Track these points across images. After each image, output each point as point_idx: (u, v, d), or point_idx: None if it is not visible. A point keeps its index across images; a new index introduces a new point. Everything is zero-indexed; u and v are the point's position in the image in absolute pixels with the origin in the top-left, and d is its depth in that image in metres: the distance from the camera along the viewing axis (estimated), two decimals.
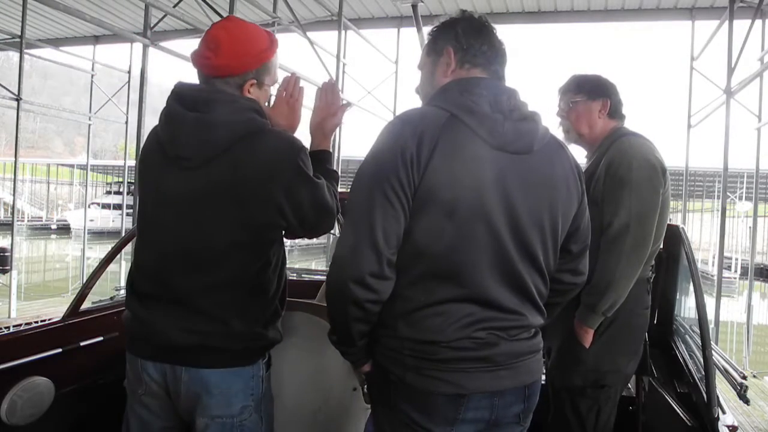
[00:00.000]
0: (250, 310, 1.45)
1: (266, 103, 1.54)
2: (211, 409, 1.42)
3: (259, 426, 1.49)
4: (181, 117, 1.39)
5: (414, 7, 7.93)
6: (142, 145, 1.66)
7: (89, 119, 12.00)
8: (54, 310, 8.38)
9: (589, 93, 2.01)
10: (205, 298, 1.41)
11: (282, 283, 1.55)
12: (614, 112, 2.03)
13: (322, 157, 1.55)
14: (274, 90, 1.57)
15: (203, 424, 1.43)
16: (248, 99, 1.44)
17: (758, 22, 7.72)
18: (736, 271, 20.03)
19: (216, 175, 1.36)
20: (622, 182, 1.85)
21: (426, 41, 1.39)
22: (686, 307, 2.46)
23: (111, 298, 3.07)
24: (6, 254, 9.67)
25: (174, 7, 6.86)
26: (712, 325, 7.01)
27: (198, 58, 1.45)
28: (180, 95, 1.43)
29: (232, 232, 1.38)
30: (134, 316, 1.48)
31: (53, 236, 36.41)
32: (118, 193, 28.44)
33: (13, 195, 9.94)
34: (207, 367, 1.41)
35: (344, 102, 1.63)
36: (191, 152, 1.38)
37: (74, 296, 2.30)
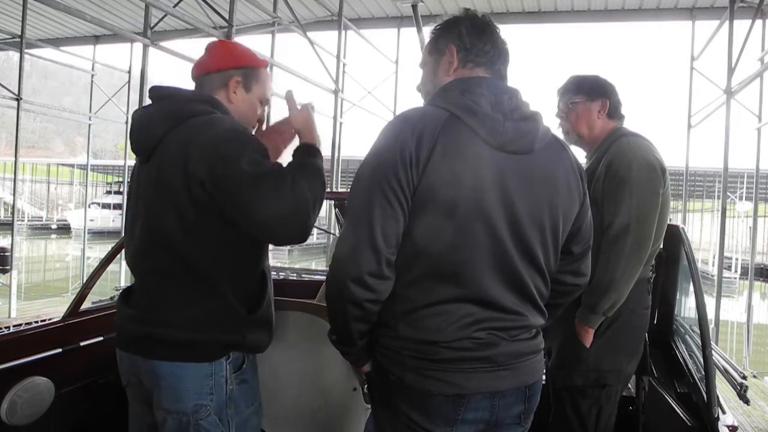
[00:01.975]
0: (194, 302, 1.42)
1: (255, 117, 1.61)
2: (162, 401, 1.43)
3: (220, 430, 1.45)
4: (135, 116, 1.54)
5: (414, 7, 7.93)
6: None
7: (89, 119, 12.00)
8: (54, 310, 8.38)
9: (588, 94, 2.01)
10: (148, 285, 1.47)
11: (246, 283, 1.50)
12: (613, 112, 2.03)
13: (301, 152, 1.49)
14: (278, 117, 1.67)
15: (161, 417, 1.45)
16: (192, 92, 1.53)
17: (758, 22, 7.72)
18: (736, 271, 20.01)
19: (157, 163, 1.43)
20: (622, 182, 1.85)
21: (428, 39, 1.39)
22: (686, 307, 2.46)
23: (111, 298, 3.07)
24: (6, 254, 9.68)
25: (174, 7, 6.85)
26: (712, 325, 7.01)
27: (195, 65, 1.58)
28: (150, 98, 1.55)
29: (169, 216, 1.40)
30: (116, 310, 1.56)
31: (53, 236, 36.42)
32: (118, 193, 28.43)
33: (14, 195, 9.94)
34: (155, 358, 1.42)
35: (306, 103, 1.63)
36: (139, 146, 1.49)
37: (74, 296, 2.30)
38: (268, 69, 1.64)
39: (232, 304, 1.45)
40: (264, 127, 1.70)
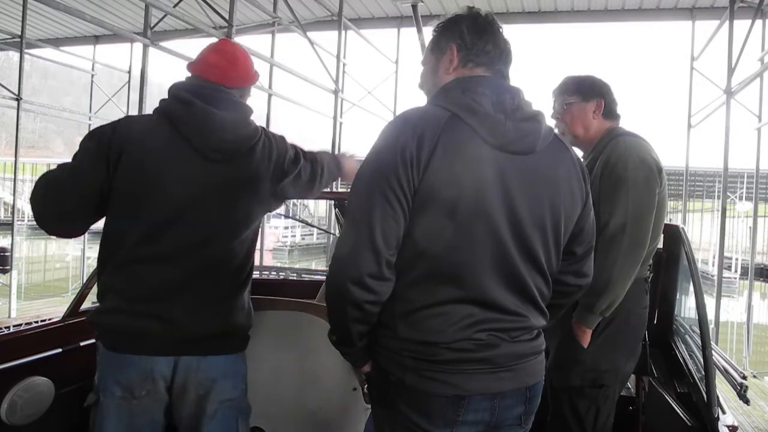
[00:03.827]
0: (245, 293, 1.59)
1: None
2: (225, 393, 1.52)
3: (246, 404, 1.62)
4: (213, 114, 1.49)
5: (414, 7, 7.93)
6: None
7: (89, 119, 11.99)
8: (54, 310, 8.38)
9: (584, 94, 2.01)
10: (211, 281, 1.51)
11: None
12: (609, 112, 2.03)
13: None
14: None
15: (212, 410, 1.50)
16: (248, 107, 1.63)
17: (758, 22, 7.71)
18: (736, 271, 19.99)
19: (253, 165, 1.54)
20: (619, 182, 1.85)
21: (430, 37, 1.39)
22: (686, 307, 2.46)
23: None
24: (6, 254, 9.67)
25: (174, 7, 6.84)
26: (712, 325, 7.00)
27: (214, 68, 1.56)
28: (199, 94, 1.51)
29: (241, 217, 1.55)
30: (135, 314, 1.45)
31: (53, 236, 36.35)
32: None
33: (14, 195, 9.93)
34: (223, 353, 1.52)
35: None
36: (228, 146, 1.51)
37: (74, 296, 2.30)
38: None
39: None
40: None
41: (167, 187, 1.46)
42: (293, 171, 1.63)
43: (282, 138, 1.67)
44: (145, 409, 1.47)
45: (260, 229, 1.68)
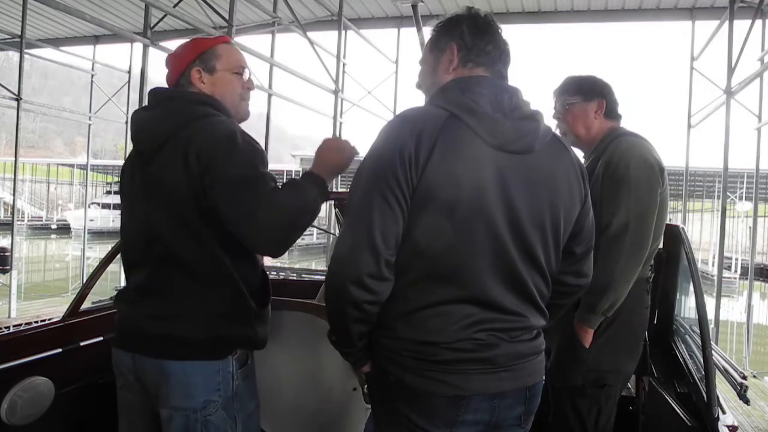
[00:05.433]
0: (214, 297, 1.45)
1: (240, 86, 1.59)
2: (170, 399, 1.44)
3: (228, 424, 1.48)
4: (137, 117, 1.55)
5: (414, 7, 7.93)
6: None
7: (89, 119, 11.99)
8: (54, 310, 8.38)
9: (585, 94, 2.01)
10: (164, 285, 1.46)
11: (254, 278, 1.53)
12: (610, 112, 2.03)
13: (305, 174, 1.53)
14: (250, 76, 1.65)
15: (167, 415, 1.45)
16: (194, 93, 1.52)
17: (758, 22, 7.72)
18: (736, 271, 20.02)
19: (162, 163, 1.45)
20: (621, 182, 1.85)
21: (430, 36, 1.38)
22: (686, 307, 2.46)
23: (111, 298, 3.07)
24: (6, 254, 9.70)
25: (174, 7, 6.85)
26: (712, 325, 7.00)
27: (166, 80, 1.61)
28: (148, 100, 1.57)
29: (177, 215, 1.42)
30: (117, 310, 1.57)
31: (53, 236, 36.40)
32: (118, 193, 28.46)
33: (13, 195, 9.94)
34: (169, 358, 1.43)
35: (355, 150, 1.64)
36: (144, 146, 1.51)
37: (74, 296, 2.30)
38: (229, 43, 1.64)
39: (248, 297, 1.48)
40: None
41: (126, 195, 1.60)
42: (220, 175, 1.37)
43: (222, 139, 1.41)
44: (127, 398, 1.54)
45: None
